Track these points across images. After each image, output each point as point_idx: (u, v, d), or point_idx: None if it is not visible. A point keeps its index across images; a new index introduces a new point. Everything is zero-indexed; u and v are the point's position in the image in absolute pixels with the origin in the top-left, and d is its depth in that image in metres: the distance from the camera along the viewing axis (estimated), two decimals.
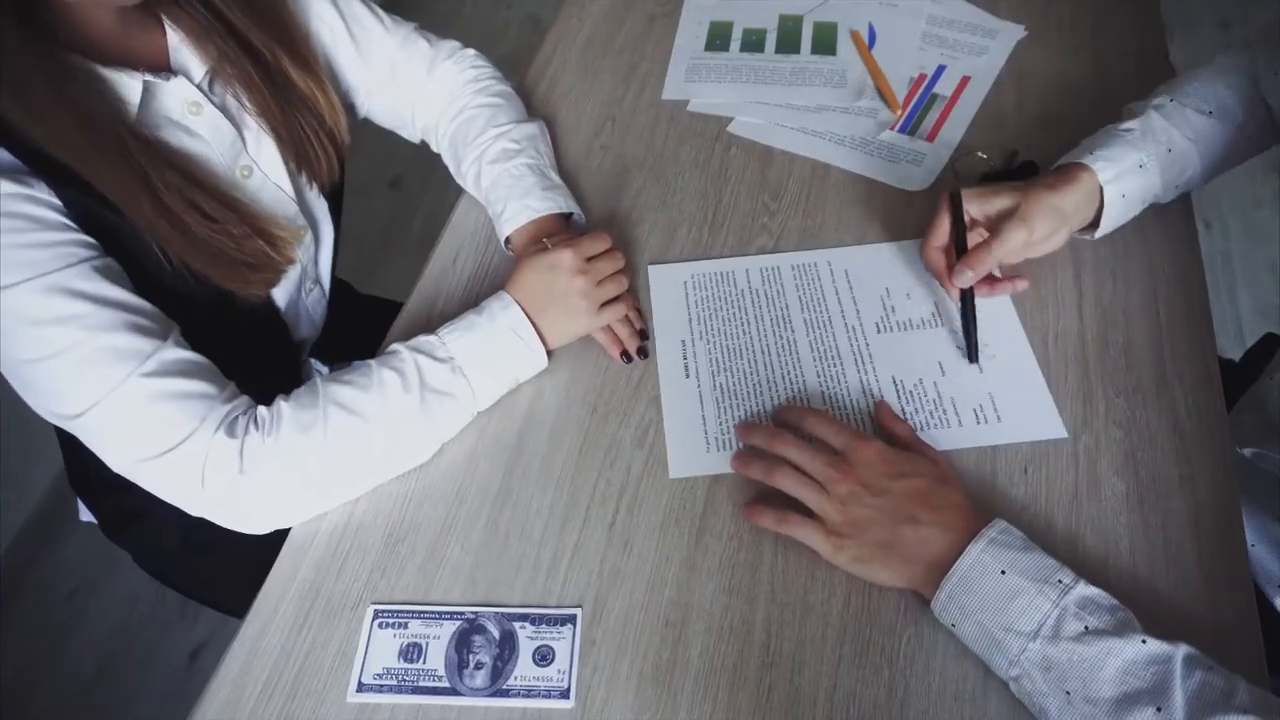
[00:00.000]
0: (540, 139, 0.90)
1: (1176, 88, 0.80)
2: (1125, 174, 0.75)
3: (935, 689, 0.60)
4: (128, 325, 0.63)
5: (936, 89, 0.97)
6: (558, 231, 0.82)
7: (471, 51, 0.95)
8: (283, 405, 0.68)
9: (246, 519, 0.68)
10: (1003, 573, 0.57)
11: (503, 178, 0.85)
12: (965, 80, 0.98)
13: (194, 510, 0.67)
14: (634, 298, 0.81)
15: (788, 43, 1.04)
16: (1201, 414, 0.71)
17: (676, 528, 0.68)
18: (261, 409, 0.67)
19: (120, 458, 0.65)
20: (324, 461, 0.67)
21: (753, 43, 1.04)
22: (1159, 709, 0.52)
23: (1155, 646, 0.54)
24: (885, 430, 0.71)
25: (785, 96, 0.98)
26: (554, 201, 0.83)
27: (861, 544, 0.62)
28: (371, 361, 0.71)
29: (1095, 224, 0.76)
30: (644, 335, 0.79)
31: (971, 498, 0.64)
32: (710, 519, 0.68)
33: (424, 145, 0.97)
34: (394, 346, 0.72)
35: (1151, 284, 0.79)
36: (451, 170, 0.93)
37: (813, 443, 0.68)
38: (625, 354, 0.78)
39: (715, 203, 0.90)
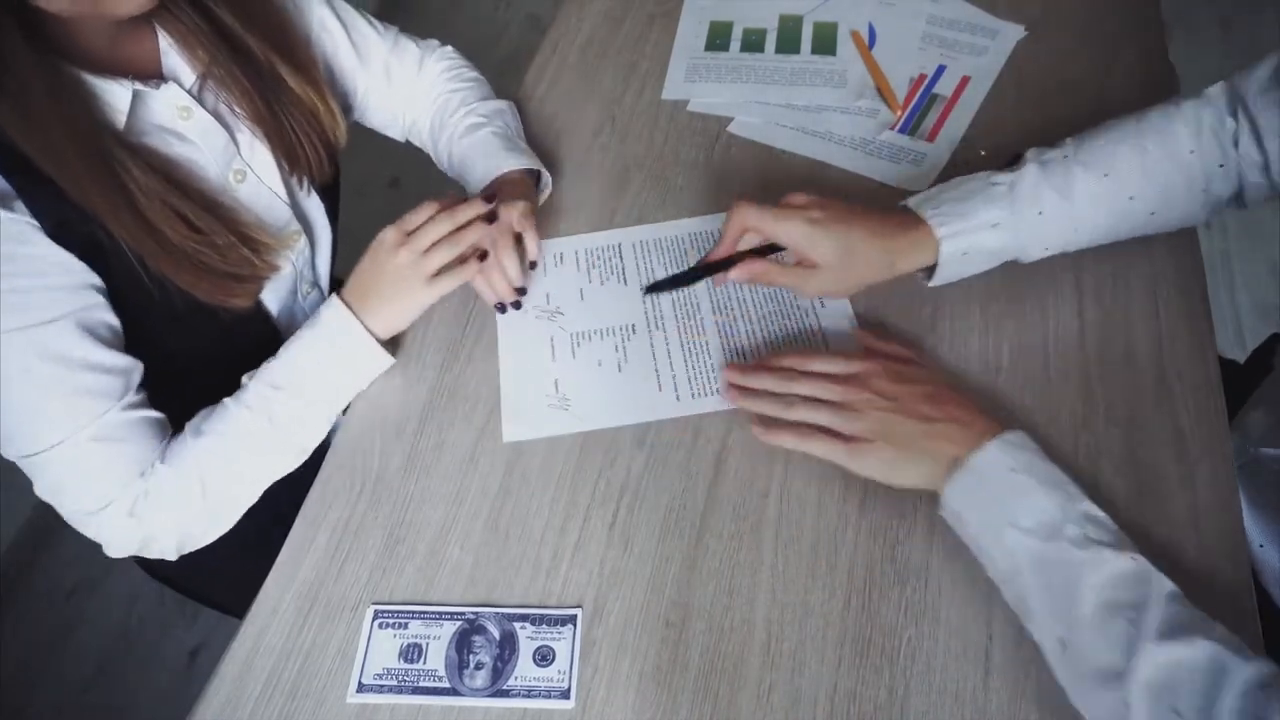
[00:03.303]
0: (507, 113, 0.93)
1: (1086, 137, 0.73)
2: (971, 231, 0.71)
3: (935, 689, 0.60)
4: (85, 388, 0.66)
5: (936, 89, 0.97)
6: (521, 183, 0.84)
7: (449, 48, 0.98)
8: (161, 475, 0.70)
9: (141, 554, 0.74)
10: (1012, 470, 0.59)
11: (470, 149, 0.87)
12: (965, 80, 0.97)
13: (108, 553, 0.74)
14: (505, 245, 0.77)
15: (788, 43, 1.04)
16: (1201, 414, 0.71)
17: (676, 528, 0.68)
18: (150, 481, 0.70)
19: (52, 502, 0.70)
20: (205, 515, 0.73)
21: (753, 43, 1.04)
22: (1131, 620, 0.53)
23: (1144, 566, 0.55)
24: (877, 354, 0.71)
25: (785, 96, 0.98)
26: (516, 159, 0.85)
27: (884, 447, 0.64)
28: (228, 402, 0.73)
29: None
30: (522, 291, 0.80)
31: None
32: (710, 519, 0.68)
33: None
34: (244, 378, 0.74)
35: (1151, 284, 0.79)
36: (434, 159, 0.95)
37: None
38: (500, 305, 0.80)
39: (715, 203, 0.90)
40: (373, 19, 0.91)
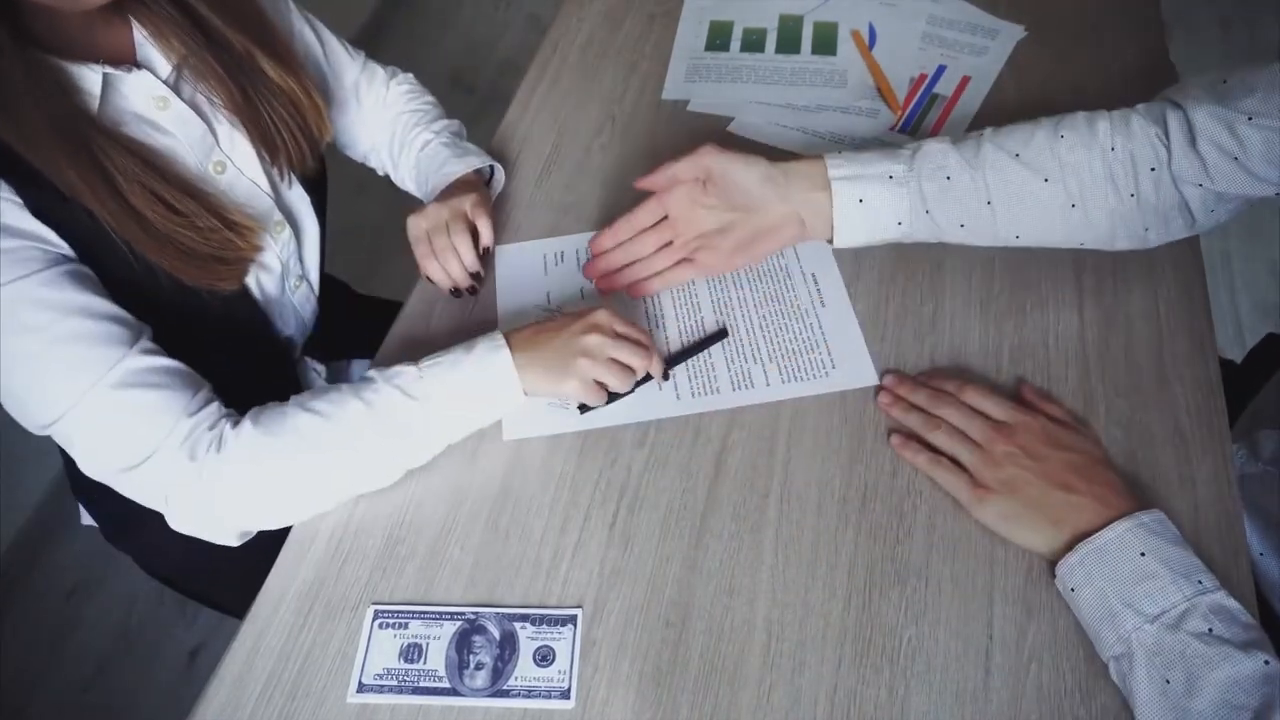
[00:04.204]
0: (454, 126, 0.95)
1: (1007, 126, 0.73)
2: (867, 180, 0.70)
3: (935, 689, 0.60)
4: (91, 335, 0.63)
5: (937, 89, 0.97)
6: (471, 183, 0.86)
7: (410, 75, 1.00)
8: (247, 430, 0.66)
9: (212, 533, 0.69)
10: (1142, 554, 0.58)
11: (423, 163, 0.91)
12: (965, 80, 0.98)
13: (170, 523, 0.68)
14: (459, 228, 0.81)
15: (788, 43, 1.04)
16: (1201, 414, 0.71)
17: (676, 528, 0.68)
18: (228, 430, 0.66)
19: (92, 468, 0.66)
20: (281, 491, 0.68)
21: (753, 43, 1.04)
22: None
23: (1277, 668, 0.53)
24: (1038, 410, 0.70)
25: (785, 96, 0.98)
26: (464, 163, 0.87)
27: (1011, 501, 0.64)
28: (345, 388, 0.69)
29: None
30: (477, 277, 0.81)
31: (1132, 486, 0.65)
32: (710, 519, 0.68)
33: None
34: (371, 373, 0.69)
35: (1151, 284, 0.79)
36: (395, 179, 0.98)
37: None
38: (455, 290, 0.81)
39: None
40: (344, 42, 0.94)
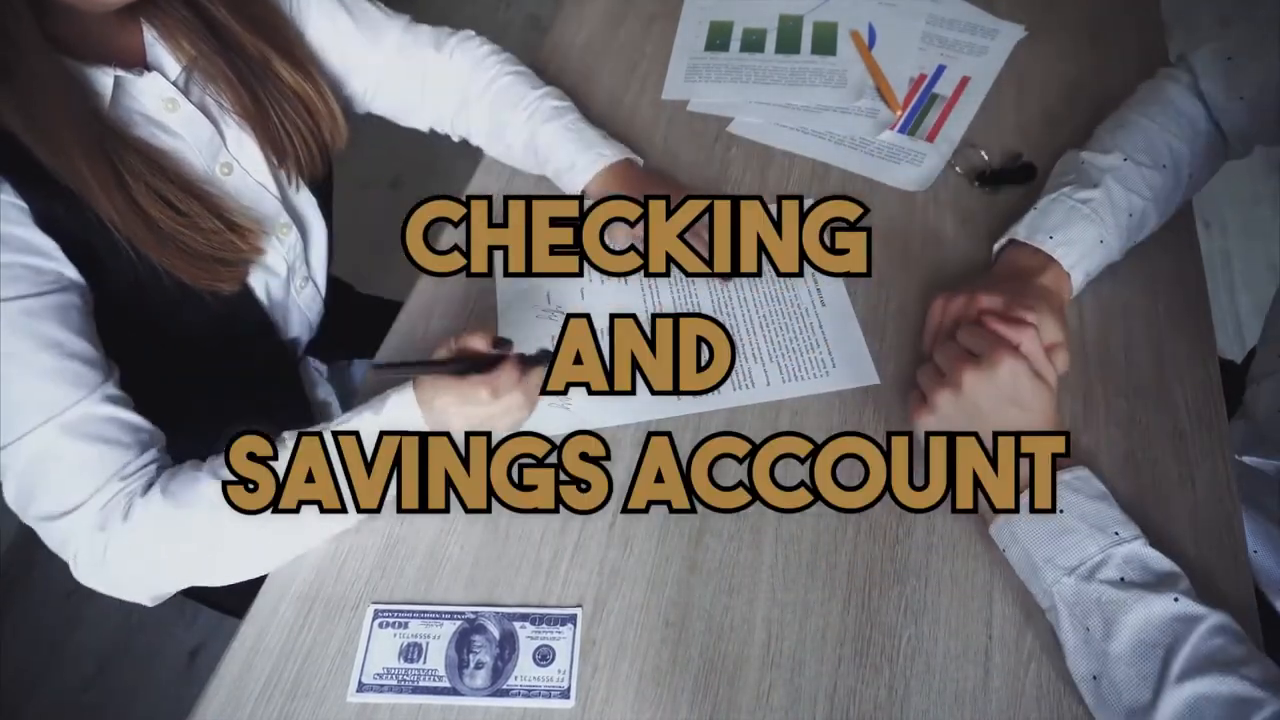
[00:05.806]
0: (572, 114, 0.91)
1: (1124, 138, 0.77)
2: (1087, 254, 0.72)
3: (935, 689, 0.60)
4: (58, 372, 0.61)
5: (936, 89, 0.97)
6: (630, 175, 0.85)
7: (473, 32, 0.96)
8: (155, 500, 0.63)
9: (117, 595, 0.66)
10: (1060, 512, 0.60)
11: (561, 134, 0.87)
12: (965, 80, 0.97)
13: (76, 578, 0.65)
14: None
15: (788, 43, 1.04)
16: (1201, 414, 0.71)
17: (676, 528, 0.68)
18: (137, 499, 0.63)
19: (14, 505, 0.63)
20: (189, 561, 0.66)
21: (753, 43, 1.04)
22: (1163, 659, 0.54)
23: (1186, 606, 0.55)
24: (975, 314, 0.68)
25: (785, 96, 0.98)
26: (619, 148, 0.87)
27: (943, 420, 0.64)
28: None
29: None
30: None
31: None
32: (710, 519, 0.68)
33: (425, 143, 0.97)
34: (285, 435, 0.66)
35: (1151, 284, 0.79)
36: (485, 142, 0.93)
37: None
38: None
39: None
40: (381, 5, 0.90)
